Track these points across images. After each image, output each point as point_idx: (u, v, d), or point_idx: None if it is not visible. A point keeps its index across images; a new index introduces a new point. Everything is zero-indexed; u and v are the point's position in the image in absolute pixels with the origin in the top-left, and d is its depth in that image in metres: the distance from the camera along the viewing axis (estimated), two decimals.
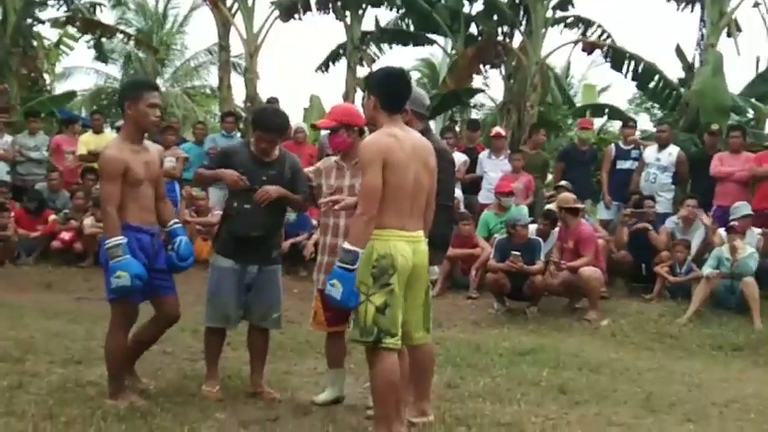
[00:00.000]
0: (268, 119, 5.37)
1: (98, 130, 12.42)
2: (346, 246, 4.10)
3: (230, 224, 5.29)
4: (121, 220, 4.83)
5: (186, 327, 6.96)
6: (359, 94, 16.85)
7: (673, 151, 10.94)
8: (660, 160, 10.87)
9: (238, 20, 16.51)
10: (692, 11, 16.46)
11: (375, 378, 4.21)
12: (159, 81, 26.47)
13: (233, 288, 5.21)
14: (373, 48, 18.18)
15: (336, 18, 16.77)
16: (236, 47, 17.31)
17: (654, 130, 13.17)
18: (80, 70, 26.31)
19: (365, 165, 4.15)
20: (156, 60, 24.72)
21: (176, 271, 5.16)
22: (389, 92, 4.35)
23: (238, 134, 12.45)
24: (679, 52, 16.03)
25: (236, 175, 5.14)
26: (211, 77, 27.09)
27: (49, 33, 18.80)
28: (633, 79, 16.00)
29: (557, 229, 9.78)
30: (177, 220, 5.34)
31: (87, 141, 11.99)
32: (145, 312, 5.12)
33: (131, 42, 19.94)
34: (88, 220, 10.75)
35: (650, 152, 11.04)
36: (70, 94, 19.21)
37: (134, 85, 5.33)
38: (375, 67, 17.82)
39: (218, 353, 5.39)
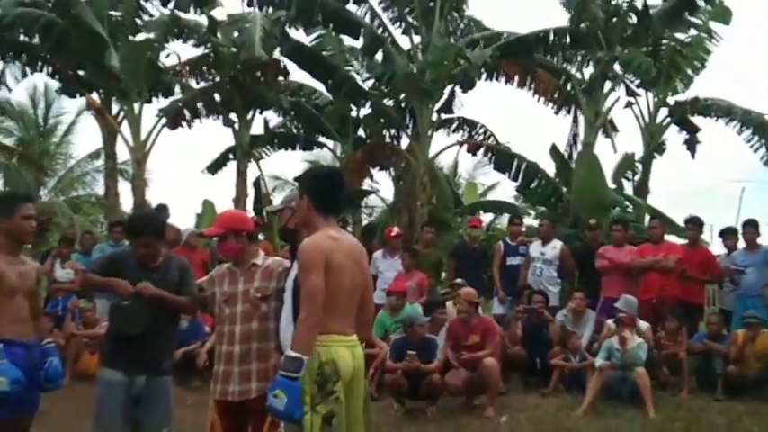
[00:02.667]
0: (136, 225, 5.37)
1: None
2: (290, 353, 3.87)
3: (111, 324, 5.20)
4: None
5: None
6: (250, 198, 16.88)
7: (556, 245, 11.27)
8: (545, 254, 11.16)
9: (124, 127, 16.34)
10: (568, 113, 17.32)
11: None
12: (42, 191, 25.77)
13: (118, 403, 4.99)
14: (260, 150, 18.33)
15: (224, 124, 16.82)
16: (124, 152, 17.12)
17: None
18: None
19: (307, 268, 3.98)
20: (37, 171, 24.11)
21: (46, 390, 5.05)
22: (322, 193, 4.23)
23: (127, 243, 12.17)
24: (554, 151, 16.74)
25: (126, 284, 5.03)
26: (97, 186, 26.54)
27: None
28: (514, 179, 16.57)
29: (445, 325, 9.79)
30: (51, 340, 5.23)
31: None
32: None
33: (14, 158, 19.48)
34: None
35: (535, 247, 11.34)
36: None
37: (7, 199, 5.34)
38: (263, 166, 18.02)
39: None
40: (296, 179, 5.23)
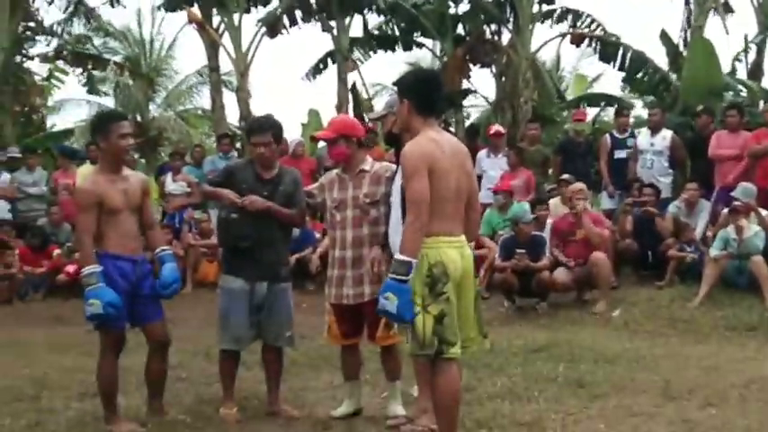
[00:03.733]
0: (257, 122, 5.51)
1: (96, 161, 12.45)
2: (399, 257, 3.95)
3: (220, 235, 5.42)
4: (101, 248, 4.91)
5: (199, 351, 6.96)
6: (351, 104, 16.92)
7: (666, 135, 10.90)
8: (654, 145, 10.83)
9: (226, 40, 16.59)
10: None
11: (439, 391, 4.09)
12: (152, 107, 26.46)
13: (243, 309, 5.18)
14: (360, 53, 18.23)
15: (323, 29, 16.81)
16: (227, 64, 17.40)
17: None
18: (72, 102, 26.26)
19: (410, 172, 4.01)
20: (147, 87, 24.73)
21: (163, 297, 5.17)
22: (421, 95, 4.24)
23: (235, 154, 12.47)
24: (664, 37, 16.04)
25: (234, 195, 5.14)
26: (203, 98, 27.07)
27: (39, 68, 18.83)
28: (621, 69, 16.00)
29: (550, 219, 9.78)
30: (165, 247, 5.35)
31: (85, 173, 12.00)
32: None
33: (125, 73, 19.94)
34: None
35: (643, 138, 11.01)
36: (67, 132, 19.25)
37: (102, 119, 5.44)
38: (361, 70, 17.95)
39: (233, 374, 5.37)
40: (395, 83, 5.20)
